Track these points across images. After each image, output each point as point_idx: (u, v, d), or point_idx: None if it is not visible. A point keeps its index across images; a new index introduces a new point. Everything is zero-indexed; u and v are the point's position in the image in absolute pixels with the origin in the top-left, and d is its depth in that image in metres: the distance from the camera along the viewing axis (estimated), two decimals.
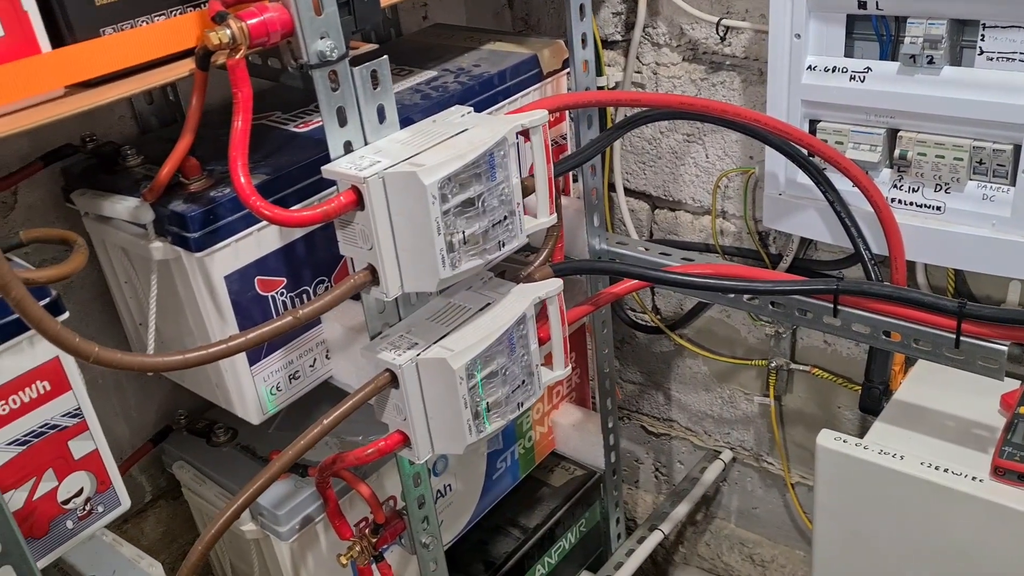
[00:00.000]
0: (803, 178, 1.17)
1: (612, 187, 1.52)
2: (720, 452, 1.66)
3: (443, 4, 1.48)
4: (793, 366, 1.48)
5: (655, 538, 1.52)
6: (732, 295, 1.12)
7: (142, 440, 1.21)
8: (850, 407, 1.47)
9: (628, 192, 1.54)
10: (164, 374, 1.11)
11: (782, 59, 1.13)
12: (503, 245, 0.90)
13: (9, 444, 0.76)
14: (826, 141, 1.13)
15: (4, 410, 0.76)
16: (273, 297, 0.97)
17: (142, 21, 0.80)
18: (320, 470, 1.00)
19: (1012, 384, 1.08)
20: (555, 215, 0.96)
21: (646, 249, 1.25)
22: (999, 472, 0.98)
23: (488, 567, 1.43)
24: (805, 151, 1.13)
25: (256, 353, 0.97)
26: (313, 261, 1.00)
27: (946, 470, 0.99)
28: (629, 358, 1.73)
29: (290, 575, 1.11)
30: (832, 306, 1.03)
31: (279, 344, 1.00)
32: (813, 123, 1.16)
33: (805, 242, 1.35)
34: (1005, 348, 0.94)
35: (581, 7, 1.12)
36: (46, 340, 0.68)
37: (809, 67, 1.12)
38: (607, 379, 1.41)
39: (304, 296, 1.01)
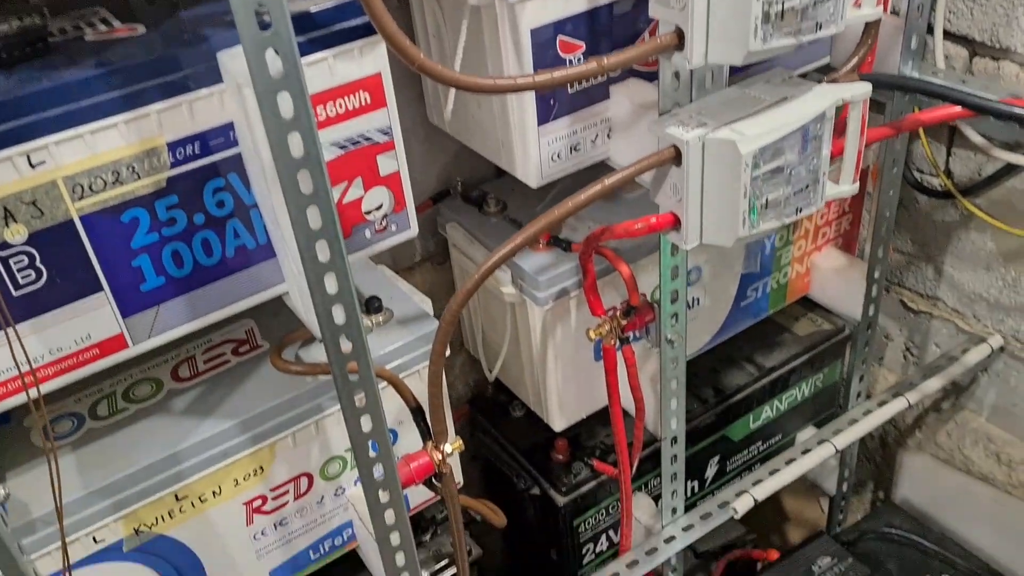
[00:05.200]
0: None
1: (928, 29, 1.37)
2: (988, 337, 1.53)
3: None
4: None
5: (898, 405, 1.44)
6: None
7: (422, 198, 1.30)
8: None
9: (947, 35, 1.38)
10: (452, 134, 1.17)
11: None
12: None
13: (332, 145, 0.85)
14: None
15: (333, 112, 0.84)
16: (570, 60, 0.98)
17: None
18: (587, 241, 1.03)
19: None
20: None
21: (964, 82, 1.13)
22: None
23: (717, 393, 1.44)
24: None
25: (546, 113, 1.00)
26: (612, 34, 1.00)
27: None
28: (903, 224, 1.60)
29: (538, 340, 1.18)
30: None
31: (568, 109, 1.01)
32: None
33: None
34: None
35: None
36: (383, 40, 0.74)
37: None
38: (885, 224, 1.32)
39: None
